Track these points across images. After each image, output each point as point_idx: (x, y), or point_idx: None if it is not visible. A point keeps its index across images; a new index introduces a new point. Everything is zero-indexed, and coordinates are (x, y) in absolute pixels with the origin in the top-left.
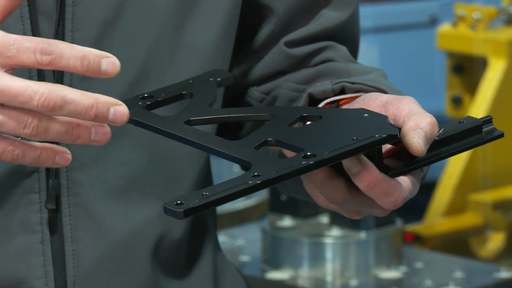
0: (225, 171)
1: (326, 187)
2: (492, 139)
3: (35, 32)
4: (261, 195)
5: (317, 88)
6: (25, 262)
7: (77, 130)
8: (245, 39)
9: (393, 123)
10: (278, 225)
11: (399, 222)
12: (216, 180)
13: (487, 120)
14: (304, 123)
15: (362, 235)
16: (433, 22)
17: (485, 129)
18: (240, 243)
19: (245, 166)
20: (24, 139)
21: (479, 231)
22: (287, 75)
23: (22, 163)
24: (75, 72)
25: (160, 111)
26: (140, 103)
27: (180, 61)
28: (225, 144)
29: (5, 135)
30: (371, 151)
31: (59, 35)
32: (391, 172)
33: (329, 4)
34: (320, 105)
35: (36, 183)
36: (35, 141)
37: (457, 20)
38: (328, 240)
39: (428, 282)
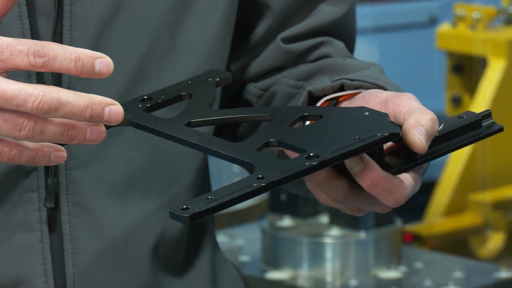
0: (225, 171)
1: (328, 186)
2: (492, 133)
3: (34, 31)
4: (261, 195)
5: (316, 85)
6: (25, 260)
7: (73, 131)
8: (242, 35)
9: (393, 120)
10: (278, 225)
11: (398, 222)
12: (215, 180)
13: (487, 115)
14: (305, 122)
15: (362, 235)
16: (433, 22)
17: (485, 123)
18: (239, 243)
19: (248, 168)
20: None
21: (479, 231)
22: (284, 71)
23: (18, 163)
24: (69, 73)
25: (160, 111)
26: (140, 105)
27: (178, 59)
28: (227, 145)
29: (0, 137)
30: (373, 150)
31: (57, 34)
32: (393, 169)
33: None
34: (320, 102)
35: (35, 181)
36: None
37: (457, 20)
38: (327, 240)
39: (427, 282)
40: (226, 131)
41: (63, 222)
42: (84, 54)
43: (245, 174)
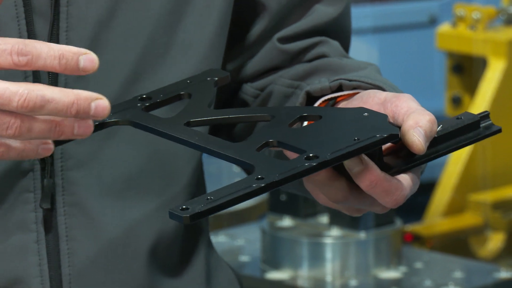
0: (225, 171)
1: (327, 187)
2: (490, 135)
3: (31, 32)
4: (261, 195)
5: (314, 86)
6: (21, 261)
7: (60, 127)
8: (238, 35)
9: (392, 121)
10: (278, 225)
11: (398, 222)
12: (215, 180)
13: (485, 116)
14: (304, 123)
15: (362, 235)
16: (433, 22)
17: (483, 124)
18: (239, 243)
19: (248, 169)
20: None
21: (479, 231)
22: (281, 71)
23: (6, 159)
24: (53, 71)
25: (159, 111)
26: (138, 104)
27: (175, 60)
28: (226, 146)
29: None
30: (372, 150)
31: (54, 34)
32: (392, 170)
33: None
34: (318, 103)
35: (31, 182)
36: None
37: (457, 20)
38: (327, 240)
39: (427, 282)
40: (222, 132)
41: (59, 223)
42: (68, 51)
43: (245, 174)
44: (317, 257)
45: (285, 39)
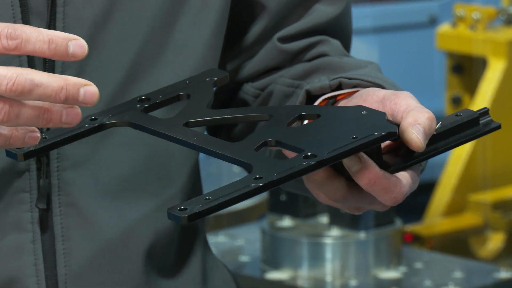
0: (224, 171)
1: (326, 186)
2: (490, 131)
3: None
4: (261, 195)
5: (314, 84)
6: (17, 261)
7: (48, 114)
8: (237, 35)
9: (391, 118)
10: (278, 225)
11: (398, 222)
12: (215, 180)
13: (484, 112)
14: (303, 122)
15: (362, 235)
16: (433, 22)
17: (482, 121)
18: (239, 243)
19: (246, 168)
20: None
21: (479, 231)
22: (281, 70)
23: None
24: (42, 56)
25: (158, 111)
26: (138, 105)
27: (171, 60)
28: (225, 146)
29: None
30: (370, 148)
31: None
32: (391, 168)
33: None
34: (318, 101)
35: (27, 182)
36: None
37: (457, 20)
38: (327, 240)
39: (427, 282)
40: (222, 132)
41: (55, 223)
42: (58, 36)
43: (245, 174)
44: (317, 257)
45: (285, 39)
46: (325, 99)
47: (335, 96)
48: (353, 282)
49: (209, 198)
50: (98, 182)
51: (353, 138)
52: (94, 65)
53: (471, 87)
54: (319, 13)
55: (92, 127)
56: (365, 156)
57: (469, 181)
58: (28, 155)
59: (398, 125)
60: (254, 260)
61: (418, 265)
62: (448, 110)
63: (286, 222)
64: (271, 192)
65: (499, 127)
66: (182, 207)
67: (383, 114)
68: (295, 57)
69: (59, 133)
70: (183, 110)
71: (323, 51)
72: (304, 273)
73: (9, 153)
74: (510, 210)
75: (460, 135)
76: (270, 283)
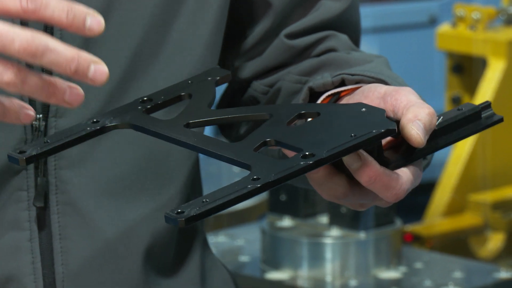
0: (224, 170)
1: (327, 184)
2: (492, 124)
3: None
4: (261, 195)
5: (317, 81)
6: (14, 259)
7: (53, 87)
8: (243, 33)
9: (392, 114)
10: (278, 225)
11: (398, 222)
12: (215, 180)
13: (486, 106)
14: (306, 120)
15: (362, 235)
16: (433, 22)
17: (484, 114)
18: (239, 243)
19: (246, 169)
20: None
21: (479, 231)
22: (289, 67)
23: None
24: (59, 25)
25: (158, 112)
26: (139, 107)
27: (169, 59)
28: (224, 146)
29: None
30: (370, 146)
31: (48, 32)
32: (392, 164)
33: None
34: (321, 98)
35: (24, 180)
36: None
37: (457, 20)
38: (327, 240)
39: (427, 282)
40: (232, 129)
41: (53, 221)
42: (77, 8)
43: (245, 173)
44: (317, 257)
45: (292, 35)
46: (329, 95)
47: (339, 93)
48: (353, 282)
49: (207, 201)
50: (95, 181)
51: (351, 136)
52: None
53: (471, 87)
54: (326, 8)
55: (94, 130)
56: (365, 153)
57: (469, 181)
58: (30, 160)
59: (398, 121)
60: (254, 260)
61: (418, 265)
62: (448, 110)
63: (286, 222)
64: (271, 192)
65: (501, 120)
66: (179, 210)
67: (382, 111)
68: (303, 53)
69: (60, 136)
70: (184, 111)
71: (331, 46)
72: (304, 273)
73: (11, 158)
74: (510, 210)
75: (462, 129)
76: (270, 283)
